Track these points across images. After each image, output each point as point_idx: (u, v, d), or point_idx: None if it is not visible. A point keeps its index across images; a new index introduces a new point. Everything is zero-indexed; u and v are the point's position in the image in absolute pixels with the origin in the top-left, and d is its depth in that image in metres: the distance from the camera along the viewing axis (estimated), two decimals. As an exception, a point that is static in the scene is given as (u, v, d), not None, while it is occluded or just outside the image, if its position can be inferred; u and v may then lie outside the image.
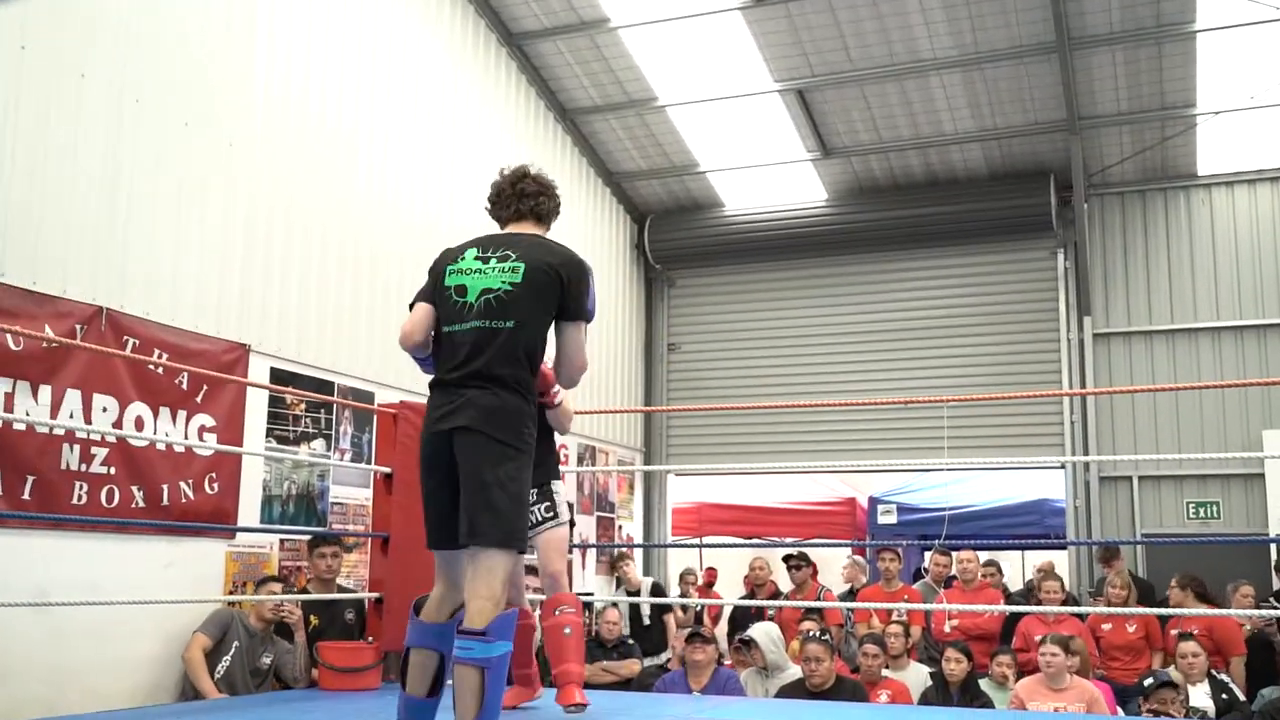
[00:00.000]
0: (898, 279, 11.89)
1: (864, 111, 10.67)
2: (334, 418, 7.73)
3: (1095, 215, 11.28)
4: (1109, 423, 10.91)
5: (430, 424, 3.51)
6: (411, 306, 3.75)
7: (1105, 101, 10.20)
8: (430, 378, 3.65)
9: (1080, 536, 10.72)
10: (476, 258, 3.62)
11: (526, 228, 3.79)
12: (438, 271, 3.70)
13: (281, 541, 7.16)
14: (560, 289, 3.55)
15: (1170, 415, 10.70)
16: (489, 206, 3.89)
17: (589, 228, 11.45)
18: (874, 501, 12.24)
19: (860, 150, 11.22)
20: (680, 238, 12.33)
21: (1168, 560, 10.07)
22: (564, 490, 4.84)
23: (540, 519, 4.68)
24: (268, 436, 7.13)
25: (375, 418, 7.41)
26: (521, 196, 3.81)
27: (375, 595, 5.99)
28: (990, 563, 9.11)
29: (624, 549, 10.47)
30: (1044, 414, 11.14)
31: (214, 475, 6.64)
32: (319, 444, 7.56)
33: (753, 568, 9.55)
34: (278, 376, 7.21)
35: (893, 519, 11.97)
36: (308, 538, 6.80)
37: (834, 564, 11.45)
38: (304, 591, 6.63)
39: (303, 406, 7.42)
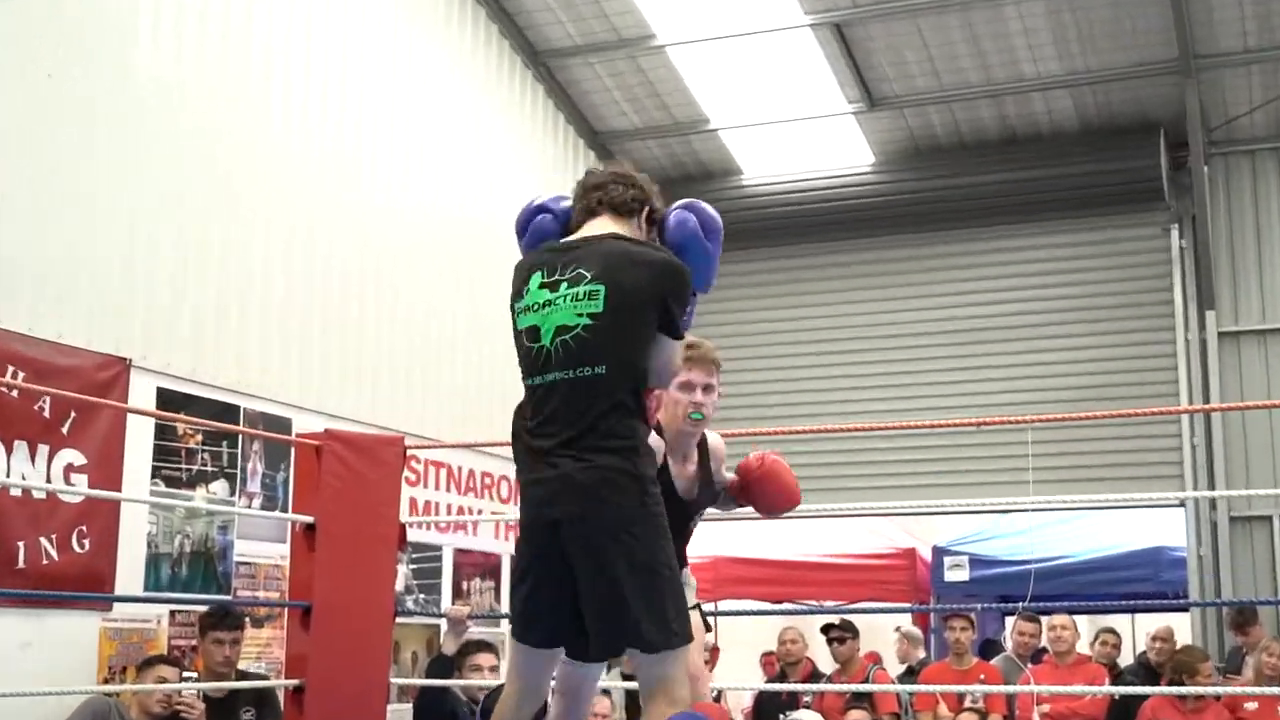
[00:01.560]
0: (964, 266, 11.87)
1: (920, 50, 10.66)
2: (240, 452, 7.68)
3: (1218, 180, 11.28)
4: (1241, 447, 10.87)
5: (530, 503, 3.54)
6: None
7: (1229, 35, 10.20)
8: None
9: (1207, 594, 10.68)
10: (542, 284, 3.56)
11: (603, 225, 3.67)
12: (512, 314, 3.68)
13: (172, 613, 7.09)
14: (658, 309, 3.52)
15: (1320, 437, 10.69)
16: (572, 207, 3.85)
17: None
18: (939, 553, 12.20)
19: (916, 100, 11.21)
20: (685, 215, 12.32)
21: (1319, 624, 10.04)
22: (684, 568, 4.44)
23: None
24: (153, 477, 7.08)
25: (293, 451, 7.37)
26: (590, 189, 3.74)
27: (295, 682, 5.94)
28: (1108, 630, 9.06)
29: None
30: (1157, 437, 11.10)
31: (84, 529, 6.57)
32: (220, 486, 7.52)
33: (783, 640, 9.51)
34: (167, 399, 7.17)
35: (963, 575, 11.92)
36: (204, 609, 6.74)
37: (887, 635, 11.41)
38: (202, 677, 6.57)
39: (199, 438, 7.38)
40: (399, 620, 6.89)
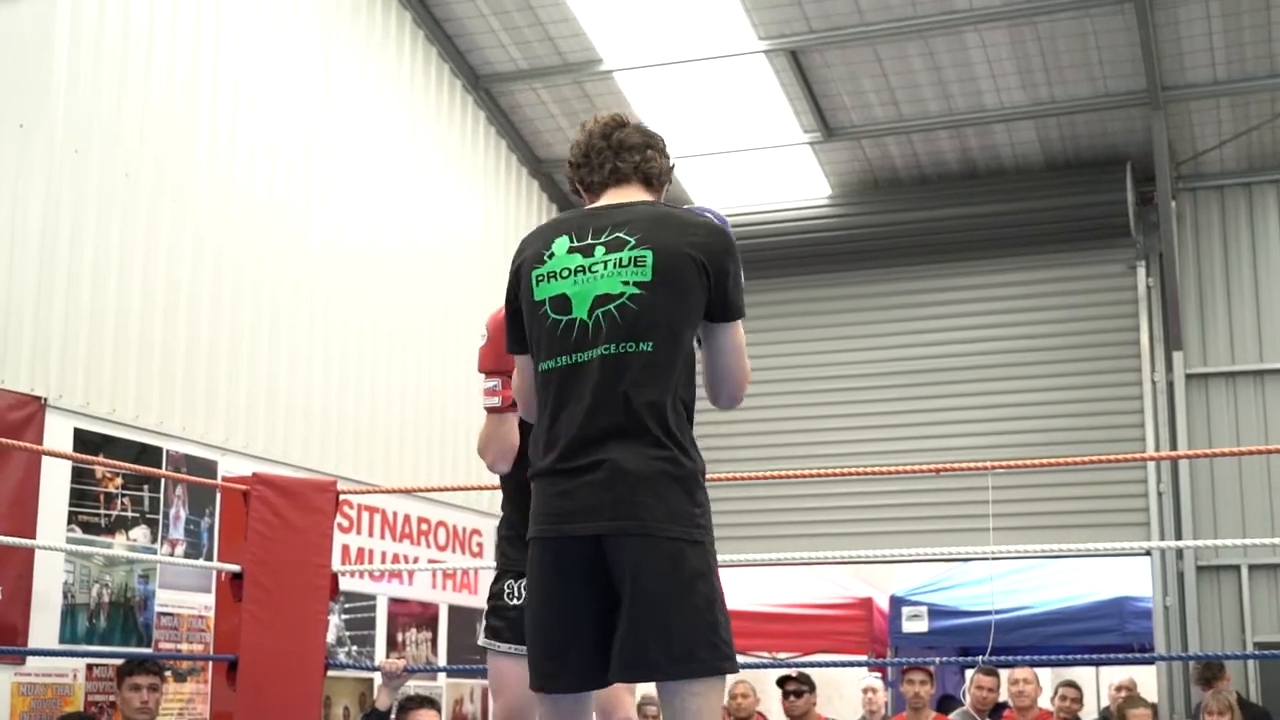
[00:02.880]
0: (923, 303, 11.97)
1: (878, 79, 10.78)
2: (162, 496, 7.65)
3: (1187, 216, 11.45)
4: (1208, 495, 11.01)
5: (552, 519, 3.18)
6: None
7: (1198, 67, 10.37)
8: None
9: (1173, 647, 10.79)
10: (572, 249, 3.26)
11: (633, 194, 3.41)
12: (518, 282, 3.34)
13: (90, 667, 7.05)
14: (708, 279, 3.22)
15: (1291, 484, 10.84)
16: (573, 173, 3.53)
17: (508, 230, 11.45)
18: (897, 603, 12.27)
19: (874, 130, 11.33)
20: (633, 248, 12.37)
21: (1289, 678, 10.16)
22: None
23: None
24: (70, 523, 7.05)
25: (219, 496, 7.36)
26: (621, 150, 3.43)
27: (219, 741, 5.92)
28: (1069, 684, 9.12)
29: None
30: (1122, 483, 11.23)
31: (-4, 577, 6.53)
32: (141, 533, 7.48)
33: (733, 694, 9.53)
34: (84, 440, 7.14)
35: (922, 625, 12.00)
36: (122, 661, 6.71)
37: (843, 687, 11.45)
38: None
39: (119, 481, 7.35)
40: (330, 673, 6.89)
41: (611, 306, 3.17)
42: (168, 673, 7.11)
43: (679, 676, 3.07)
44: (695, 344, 3.33)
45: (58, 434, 6.97)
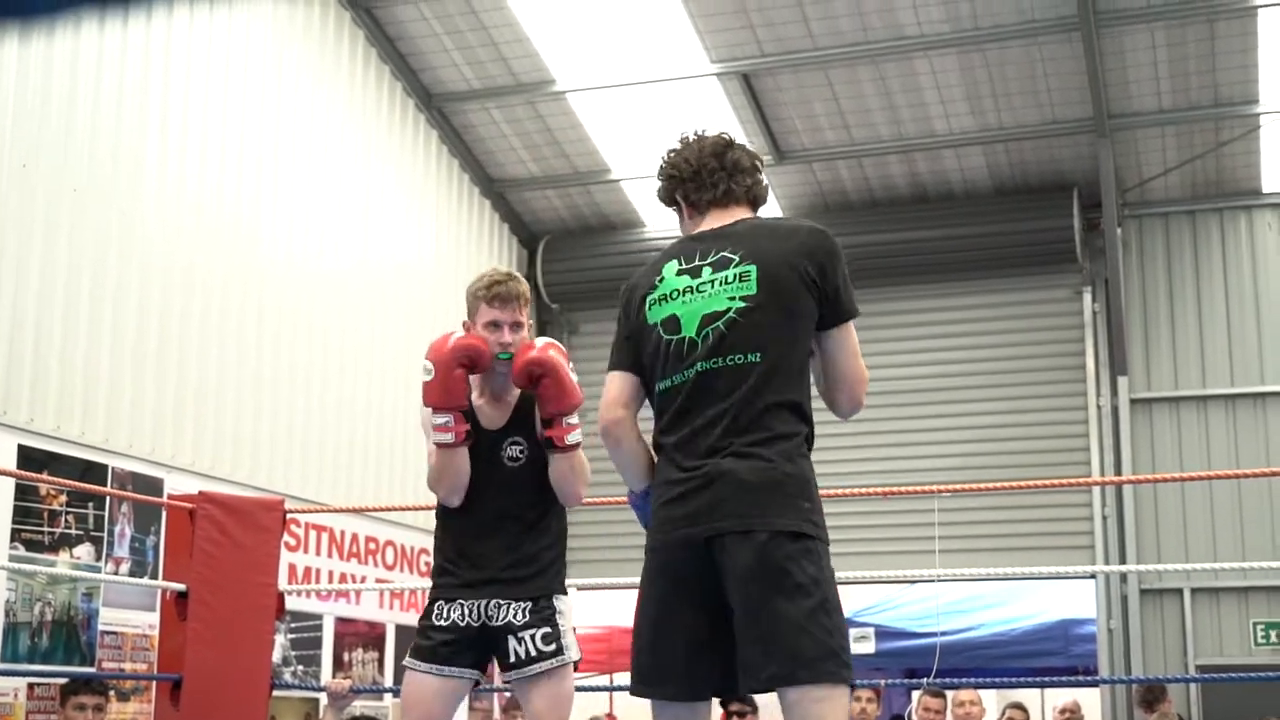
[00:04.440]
0: (870, 326, 11.97)
1: (829, 103, 10.86)
2: (106, 514, 7.61)
3: (1132, 243, 11.58)
4: (1152, 519, 11.13)
5: (666, 525, 3.24)
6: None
7: (1143, 95, 10.51)
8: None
9: (1116, 670, 10.87)
10: (680, 271, 3.35)
11: (737, 215, 3.45)
12: (633, 309, 3.42)
13: (31, 686, 7.01)
14: (816, 288, 3.26)
15: (1232, 509, 10.96)
16: (674, 187, 3.54)
17: (460, 251, 11.46)
18: (843, 624, 12.28)
19: (825, 154, 11.42)
20: (585, 268, 12.39)
21: (1230, 700, 10.24)
22: (571, 612, 4.48)
23: (534, 653, 4.30)
24: (13, 540, 7.01)
25: (164, 514, 7.32)
26: (736, 172, 3.46)
27: (162, 761, 5.87)
28: (1016, 705, 9.16)
29: (508, 692, 10.38)
30: (1067, 507, 11.33)
31: (-63, 595, 6.48)
32: (85, 550, 7.44)
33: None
34: (28, 457, 7.10)
35: (869, 647, 12.03)
36: (65, 681, 6.66)
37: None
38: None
39: (63, 498, 7.31)
40: (276, 693, 6.85)
41: (719, 323, 3.26)
42: (111, 692, 7.05)
43: (810, 683, 3.06)
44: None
45: (1, 451, 6.94)
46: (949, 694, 9.12)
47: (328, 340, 9.68)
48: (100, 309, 7.72)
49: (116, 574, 7.58)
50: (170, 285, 8.25)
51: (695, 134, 3.56)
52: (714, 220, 3.45)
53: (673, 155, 3.54)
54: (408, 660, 4.35)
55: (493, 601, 4.27)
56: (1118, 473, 11.14)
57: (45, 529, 7.22)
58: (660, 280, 3.38)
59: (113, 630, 7.59)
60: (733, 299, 3.26)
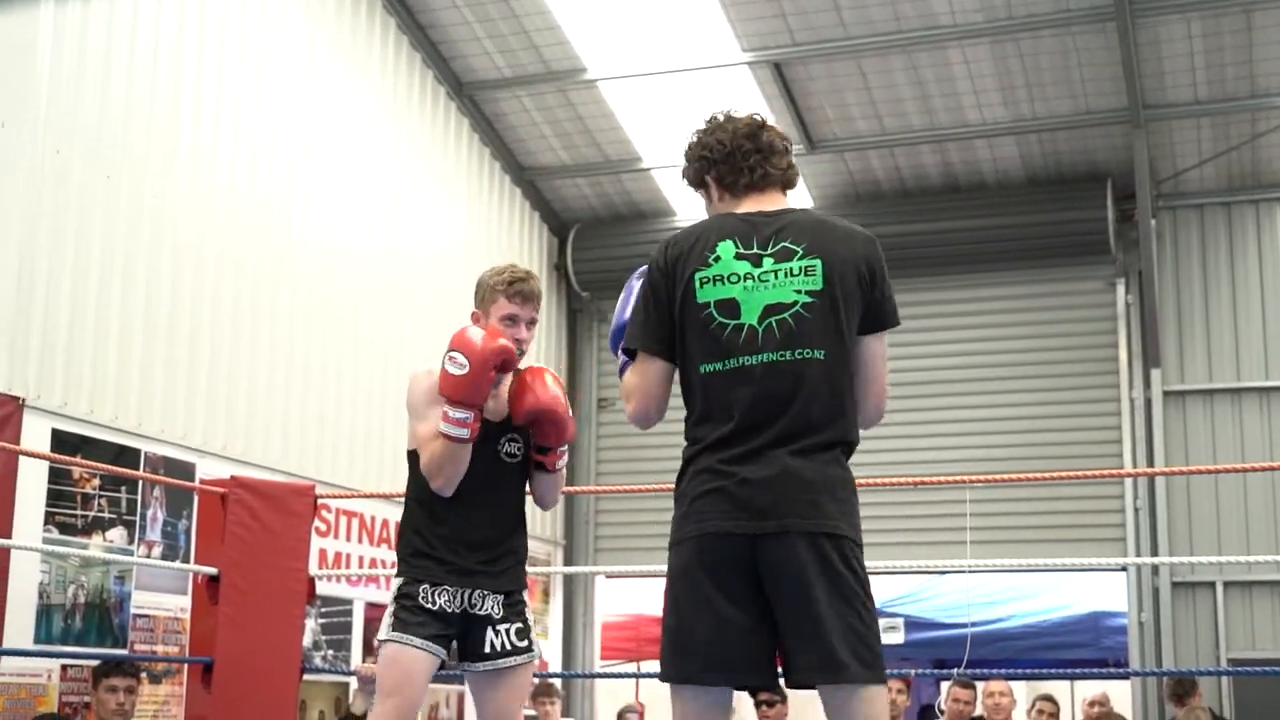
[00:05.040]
0: (904, 317, 11.92)
1: (861, 93, 10.83)
2: (140, 498, 7.65)
3: (1166, 234, 11.52)
4: (1184, 512, 11.07)
5: (717, 515, 3.16)
6: (630, 356, 3.36)
7: (1179, 86, 10.45)
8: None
9: (1147, 663, 10.83)
10: (740, 255, 3.24)
11: (777, 200, 3.39)
12: (678, 282, 3.28)
13: (64, 668, 7.04)
14: (869, 289, 3.27)
15: (1266, 502, 10.90)
16: (705, 169, 3.46)
17: (491, 239, 11.49)
18: (873, 615, 12.27)
19: (856, 144, 11.39)
20: (616, 256, 12.38)
21: (1262, 694, 10.20)
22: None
23: (509, 646, 4.33)
24: (47, 523, 7.04)
25: (197, 499, 7.36)
26: (771, 154, 3.39)
27: (193, 743, 5.91)
28: (1046, 698, 9.13)
29: (539, 679, 10.42)
30: (1099, 499, 11.29)
31: (-29, 577, 6.52)
32: (117, 534, 7.48)
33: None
34: (62, 441, 7.14)
35: (898, 637, 12.01)
36: (97, 663, 6.71)
37: (816, 699, 11.43)
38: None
39: (96, 482, 7.35)
40: (306, 677, 6.88)
41: (786, 315, 3.19)
42: (143, 674, 7.10)
43: (868, 682, 3.12)
44: None
45: (35, 434, 6.97)
46: (979, 685, 9.11)
47: (359, 327, 9.71)
48: (133, 294, 7.76)
49: (149, 557, 7.62)
50: (203, 271, 8.29)
51: (724, 114, 3.48)
52: (754, 204, 3.36)
53: (703, 135, 3.45)
54: (393, 634, 4.31)
55: (477, 591, 4.30)
56: (1150, 465, 11.10)
57: (79, 512, 7.26)
58: (715, 259, 3.24)
59: (145, 613, 7.63)
60: (799, 292, 3.20)
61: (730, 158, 3.39)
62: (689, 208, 12.19)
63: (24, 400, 6.93)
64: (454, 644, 4.39)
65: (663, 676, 3.29)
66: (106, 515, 7.43)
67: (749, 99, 10.80)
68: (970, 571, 10.78)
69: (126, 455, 7.55)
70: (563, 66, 10.83)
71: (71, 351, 7.32)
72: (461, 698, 10.19)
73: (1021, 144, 11.27)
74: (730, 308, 3.21)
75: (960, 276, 11.86)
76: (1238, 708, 10.38)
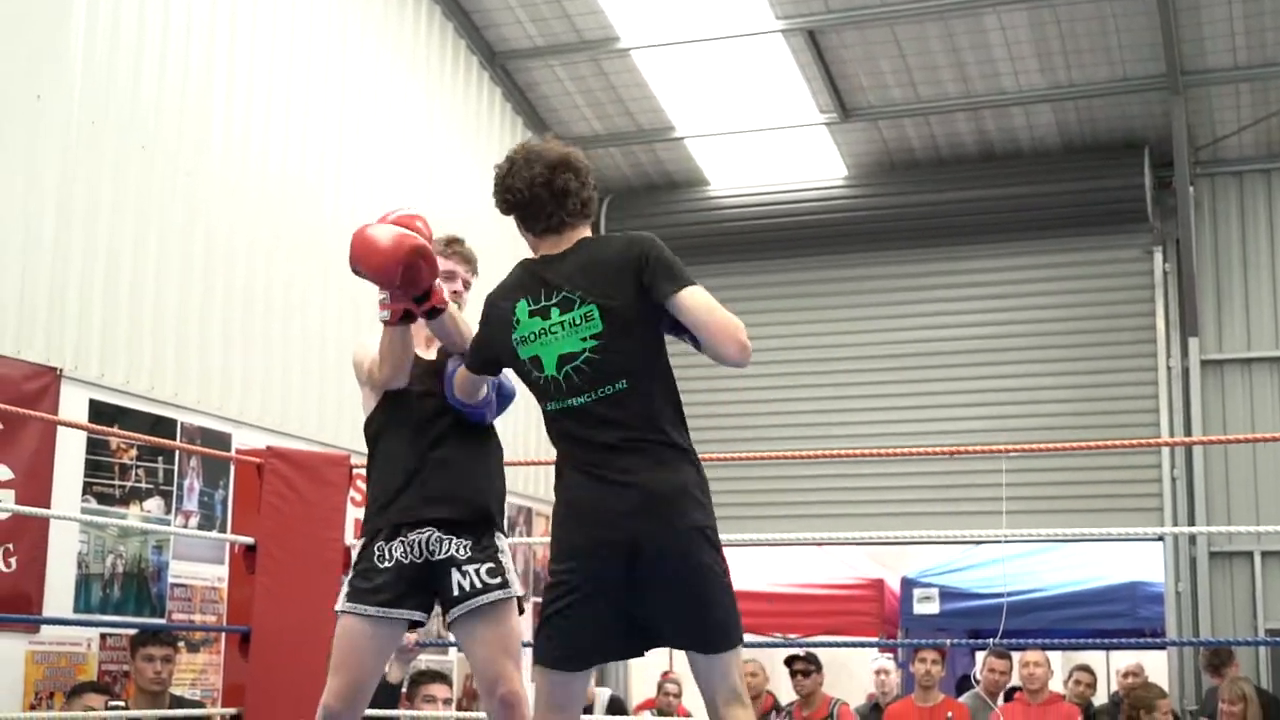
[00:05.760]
0: (938, 285, 11.98)
1: (896, 60, 10.78)
2: (176, 468, 7.69)
3: (1205, 202, 11.43)
4: (1222, 481, 11.02)
5: (593, 523, 3.53)
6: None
7: (1218, 51, 10.36)
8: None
9: (1184, 632, 10.81)
10: (532, 313, 3.63)
11: (569, 239, 3.73)
12: (501, 343, 3.75)
13: (103, 637, 7.10)
14: (640, 283, 3.58)
15: (1304, 471, 10.84)
16: (511, 213, 3.81)
17: (525, 212, 11.47)
18: (908, 584, 12.29)
19: (891, 112, 11.34)
20: (650, 226, 12.22)
21: (1301, 666, 10.18)
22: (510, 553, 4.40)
23: (479, 585, 4.23)
24: (85, 494, 7.09)
25: (233, 469, 7.40)
26: (562, 197, 3.71)
27: (232, 711, 5.96)
28: (1083, 668, 9.13)
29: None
30: (1136, 468, 11.24)
31: (10, 547, 6.58)
32: (155, 504, 7.53)
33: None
34: (99, 411, 7.18)
35: (933, 607, 12.02)
36: (135, 631, 6.76)
37: (851, 668, 11.47)
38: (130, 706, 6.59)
39: (133, 453, 7.39)
40: (342, 647, 6.90)
41: (579, 362, 3.55)
42: (181, 643, 7.16)
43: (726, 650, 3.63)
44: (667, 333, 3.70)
45: (73, 405, 7.01)
46: (1014, 655, 9.11)
47: (393, 298, 9.71)
48: (168, 266, 7.78)
49: (186, 527, 7.67)
50: (235, 242, 8.31)
51: (523, 153, 3.79)
52: (550, 246, 3.71)
53: (506, 178, 3.79)
54: (345, 604, 4.28)
55: (434, 535, 4.24)
56: (1187, 434, 11.05)
57: (116, 482, 7.31)
58: (517, 322, 3.64)
59: (182, 583, 7.68)
60: (584, 340, 3.56)
61: (529, 206, 3.74)
62: (722, 177, 12.18)
63: (61, 371, 6.97)
64: (435, 603, 4.33)
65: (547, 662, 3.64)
66: (144, 485, 7.48)
67: (782, 67, 10.80)
68: (1006, 541, 10.74)
69: (163, 425, 7.59)
70: (595, 35, 10.81)
71: (108, 322, 7.34)
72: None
73: (1058, 111, 11.20)
74: (537, 364, 3.62)
75: (995, 245, 11.80)
76: (1275, 678, 10.35)
